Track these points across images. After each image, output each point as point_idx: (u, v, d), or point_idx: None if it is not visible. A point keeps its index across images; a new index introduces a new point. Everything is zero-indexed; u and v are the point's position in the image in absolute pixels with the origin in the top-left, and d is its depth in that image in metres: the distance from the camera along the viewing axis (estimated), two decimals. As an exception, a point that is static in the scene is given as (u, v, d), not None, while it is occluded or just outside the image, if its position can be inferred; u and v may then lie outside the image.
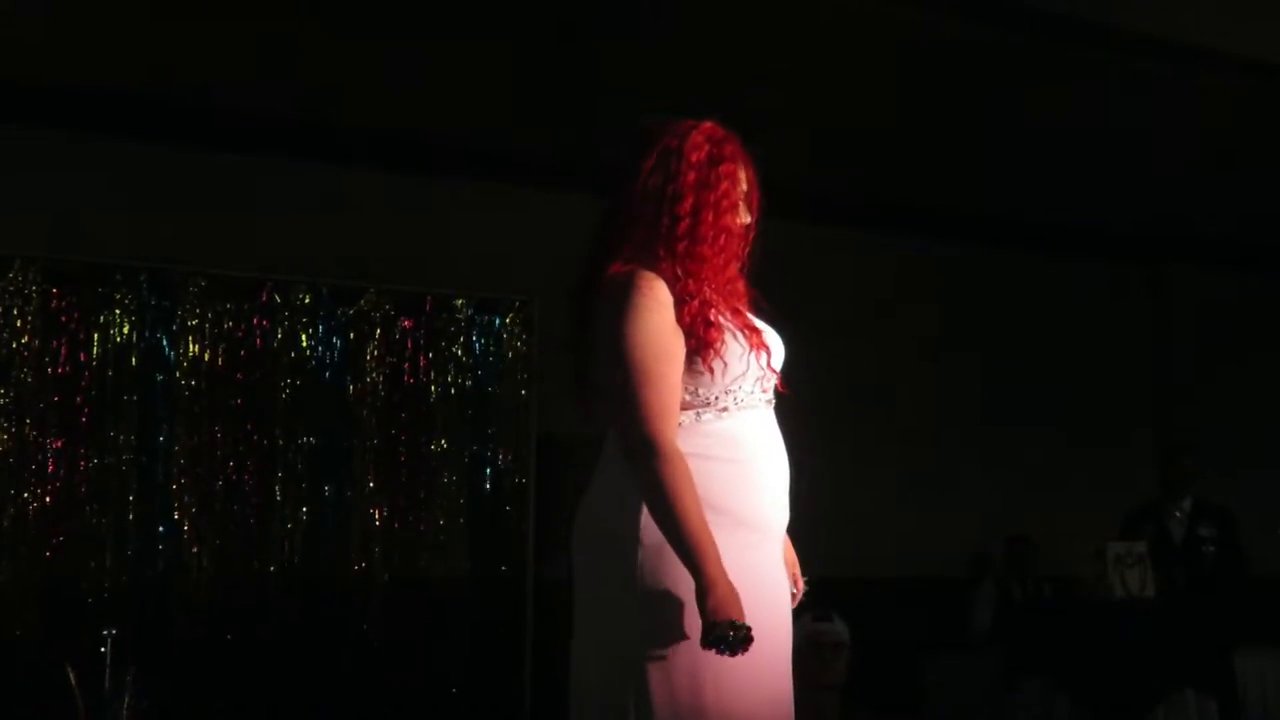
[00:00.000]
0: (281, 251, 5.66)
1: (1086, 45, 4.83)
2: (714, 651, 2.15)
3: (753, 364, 2.38)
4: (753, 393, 2.39)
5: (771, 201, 2.51)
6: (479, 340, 5.82)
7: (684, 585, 2.24)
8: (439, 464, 5.67)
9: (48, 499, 5.06)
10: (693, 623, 2.23)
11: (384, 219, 5.94)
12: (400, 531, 5.57)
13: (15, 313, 5.05)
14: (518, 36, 4.96)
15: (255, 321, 5.43)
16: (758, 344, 2.38)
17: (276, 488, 5.40)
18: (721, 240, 2.40)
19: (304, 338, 5.51)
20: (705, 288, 2.36)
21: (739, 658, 2.18)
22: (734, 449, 2.35)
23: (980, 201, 6.95)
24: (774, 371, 2.43)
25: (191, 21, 4.76)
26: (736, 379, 2.36)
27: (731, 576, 2.21)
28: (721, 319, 2.36)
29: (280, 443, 5.42)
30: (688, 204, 2.39)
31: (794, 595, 2.52)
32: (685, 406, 2.34)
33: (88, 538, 5.07)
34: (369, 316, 5.62)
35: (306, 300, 5.52)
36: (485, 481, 5.76)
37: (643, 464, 2.27)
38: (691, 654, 2.24)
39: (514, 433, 5.79)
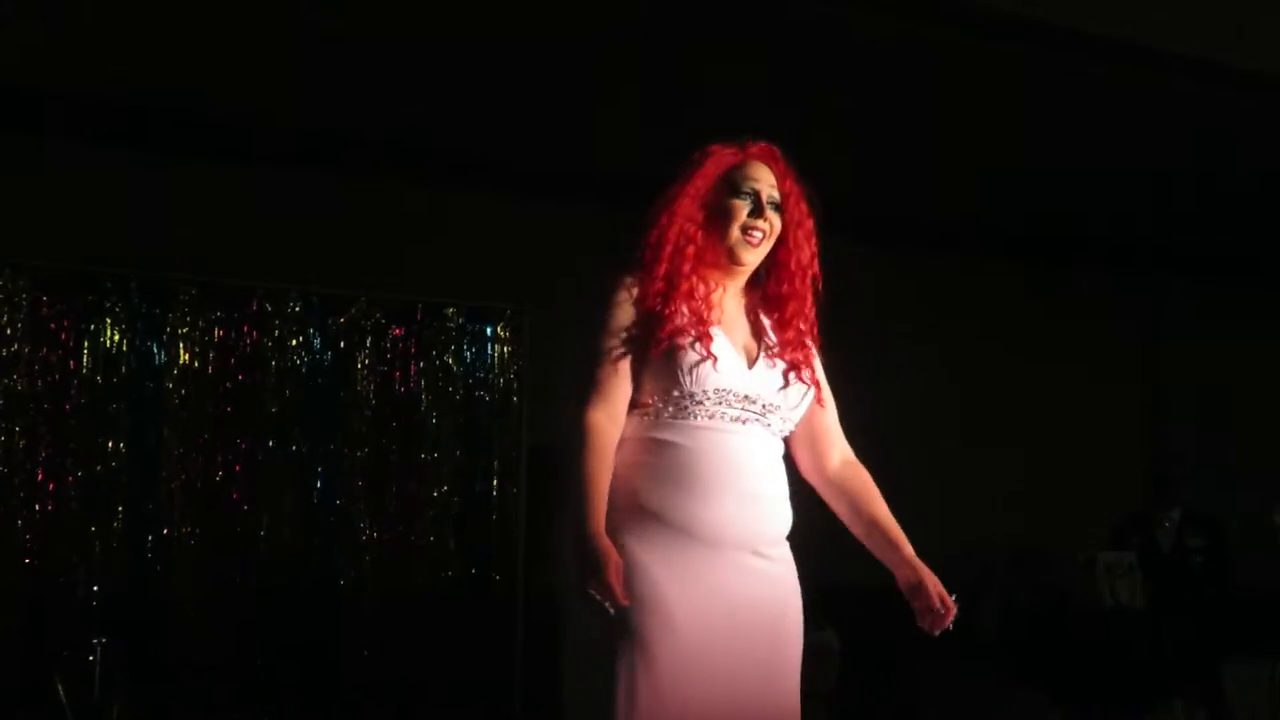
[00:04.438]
0: (272, 260, 5.66)
1: (1085, 57, 4.86)
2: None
3: (698, 366, 2.39)
4: (709, 408, 2.40)
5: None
6: (470, 349, 5.81)
7: (633, 583, 2.29)
8: (430, 473, 5.66)
9: (36, 506, 5.04)
10: (637, 622, 2.29)
11: (375, 227, 5.94)
12: (390, 541, 5.55)
13: (5, 320, 5.04)
14: (514, 47, 4.97)
15: (245, 330, 5.42)
16: (705, 345, 2.40)
17: (266, 496, 5.38)
18: (687, 256, 2.46)
19: (294, 346, 5.50)
20: (678, 294, 2.43)
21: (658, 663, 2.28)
22: (666, 456, 2.39)
23: (976, 209, 6.97)
24: (731, 392, 2.42)
25: (185, 28, 4.75)
26: (682, 380, 2.39)
27: (660, 576, 2.31)
28: (688, 329, 2.40)
29: (270, 451, 5.40)
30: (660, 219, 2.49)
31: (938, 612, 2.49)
32: (638, 406, 2.42)
33: (77, 546, 5.05)
34: (359, 325, 5.61)
35: (297, 309, 5.51)
36: (476, 490, 5.75)
37: (567, 429, 2.37)
38: (627, 653, 2.29)
39: (505, 441, 5.79)
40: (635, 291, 2.43)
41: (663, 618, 2.30)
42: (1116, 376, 7.77)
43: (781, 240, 2.54)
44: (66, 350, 5.12)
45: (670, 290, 2.42)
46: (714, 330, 2.43)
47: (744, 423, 2.44)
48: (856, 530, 2.62)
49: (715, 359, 2.39)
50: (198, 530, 5.23)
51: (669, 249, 2.45)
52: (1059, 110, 5.44)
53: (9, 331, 5.04)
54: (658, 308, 2.41)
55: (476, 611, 5.62)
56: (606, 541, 2.26)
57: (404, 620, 5.49)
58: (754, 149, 2.54)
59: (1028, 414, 7.35)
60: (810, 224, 2.58)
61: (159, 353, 5.26)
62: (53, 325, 5.13)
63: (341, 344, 5.58)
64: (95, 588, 5.04)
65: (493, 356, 5.84)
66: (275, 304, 5.46)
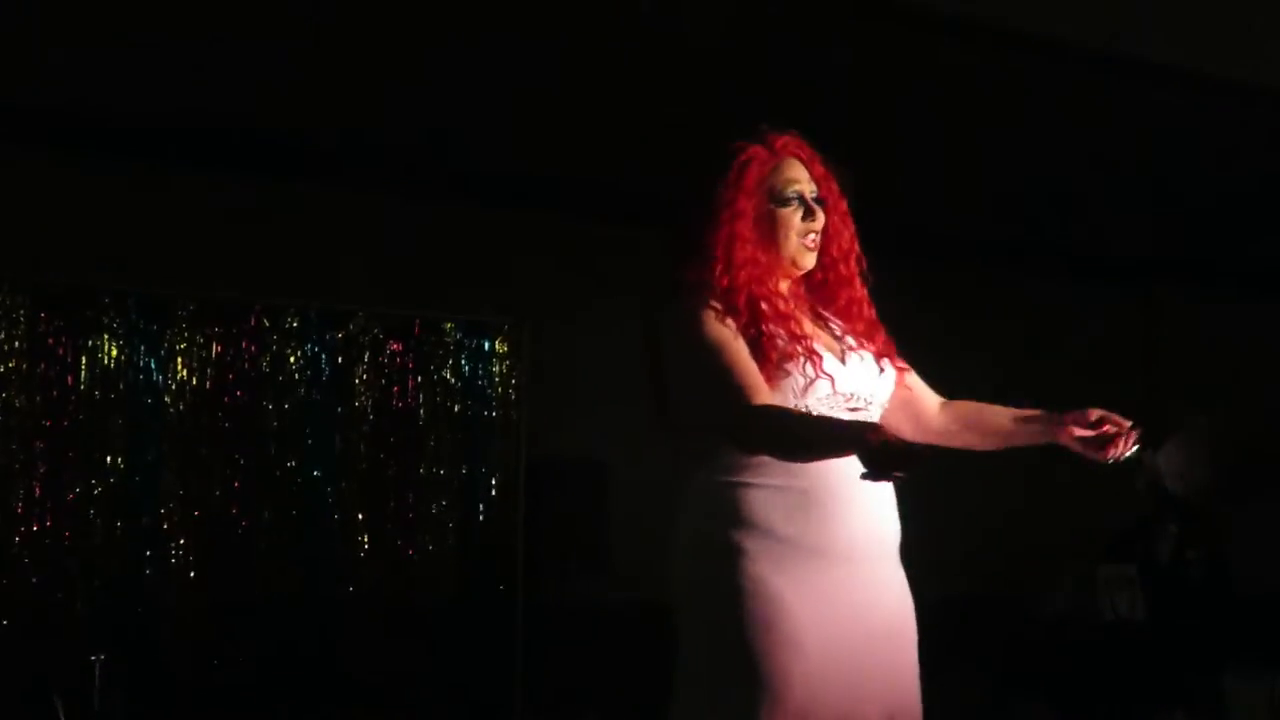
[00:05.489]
0: (270, 275, 5.66)
1: (1087, 71, 4.88)
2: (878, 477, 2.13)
3: (811, 384, 2.34)
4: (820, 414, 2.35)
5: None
6: (468, 364, 5.81)
7: (721, 608, 2.27)
8: (428, 488, 5.65)
9: (34, 523, 5.03)
10: (734, 646, 2.25)
11: (372, 242, 5.94)
12: (389, 556, 5.54)
13: (3, 336, 5.03)
14: (519, 61, 4.98)
15: (244, 345, 5.42)
16: (816, 365, 2.35)
17: (265, 512, 5.36)
18: (756, 277, 2.41)
19: (292, 361, 5.50)
20: (765, 316, 2.37)
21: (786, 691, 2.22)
22: (788, 473, 2.32)
23: (977, 222, 6.98)
24: (839, 393, 2.38)
25: (183, 42, 4.76)
26: (791, 400, 2.34)
27: (792, 601, 2.26)
28: (792, 348, 2.35)
29: (268, 467, 5.40)
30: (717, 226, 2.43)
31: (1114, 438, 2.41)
32: None
33: (75, 562, 5.03)
34: (357, 340, 5.61)
35: (295, 324, 5.51)
36: (475, 506, 5.74)
37: (748, 433, 2.29)
38: (733, 681, 2.26)
39: (503, 457, 5.78)
40: (721, 316, 2.35)
41: (794, 646, 2.25)
42: (1115, 383, 7.76)
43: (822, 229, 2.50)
44: (65, 366, 5.12)
45: (755, 313, 2.36)
46: (816, 346, 2.38)
47: None
48: (995, 444, 2.59)
49: (826, 371, 2.35)
50: (196, 546, 5.22)
51: (742, 275, 2.39)
52: (1054, 115, 5.45)
53: (7, 347, 5.03)
54: (752, 333, 2.35)
55: (475, 628, 5.61)
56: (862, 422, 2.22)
57: (403, 636, 5.48)
58: (781, 145, 2.49)
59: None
60: (844, 205, 2.55)
61: (157, 368, 5.26)
62: (51, 341, 5.12)
63: (339, 359, 5.57)
64: (94, 604, 5.03)
65: (491, 372, 5.84)
66: (273, 319, 5.46)
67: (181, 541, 5.20)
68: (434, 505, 5.65)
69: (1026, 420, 2.52)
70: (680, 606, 2.38)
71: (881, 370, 2.47)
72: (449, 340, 5.79)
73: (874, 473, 2.08)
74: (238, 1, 4.51)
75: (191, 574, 5.20)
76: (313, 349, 5.54)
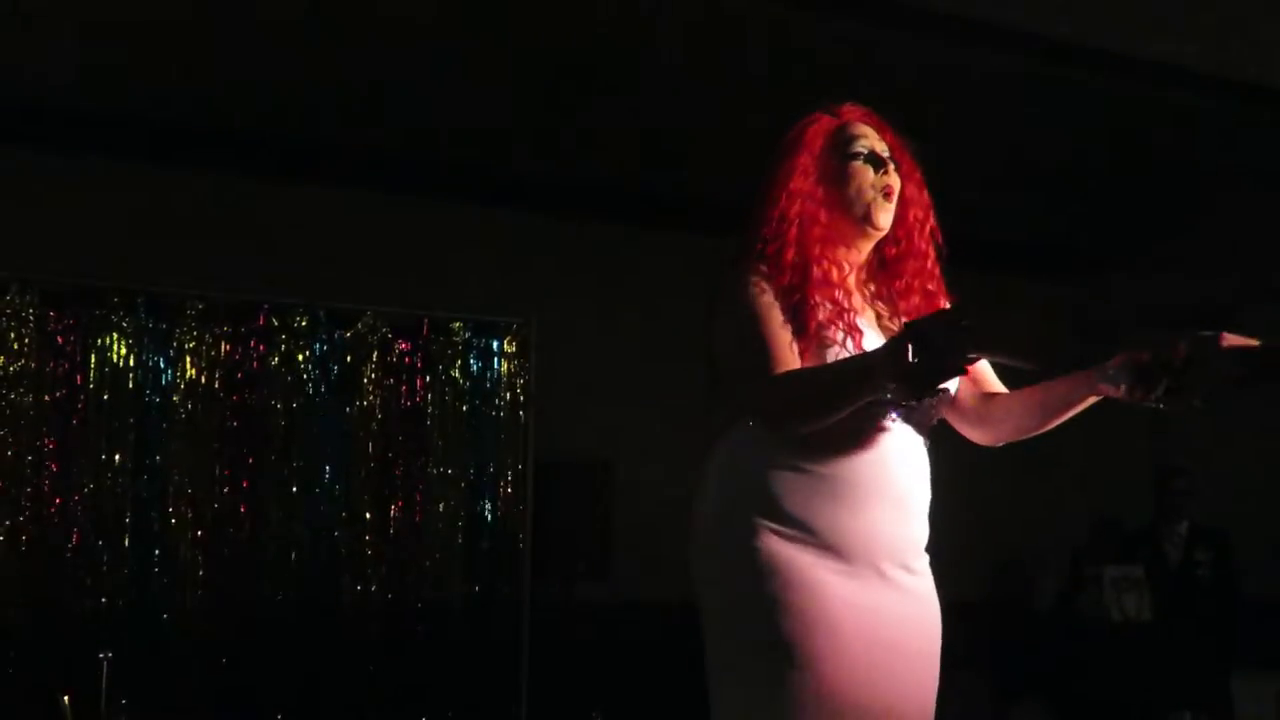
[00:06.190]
0: (278, 274, 5.67)
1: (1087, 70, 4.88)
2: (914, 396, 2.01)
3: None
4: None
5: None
6: (476, 363, 5.81)
7: (750, 592, 2.19)
8: (436, 487, 5.66)
9: (43, 521, 5.04)
10: (762, 635, 2.18)
11: (381, 241, 5.95)
12: (397, 555, 5.55)
13: (12, 335, 5.04)
14: (519, 62, 4.98)
15: (252, 344, 5.42)
16: (856, 340, 2.23)
17: (272, 511, 5.38)
18: (814, 237, 2.29)
19: (300, 360, 5.51)
20: (813, 283, 2.24)
21: (798, 685, 2.14)
22: (810, 458, 2.21)
23: (977, 222, 6.97)
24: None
25: (190, 40, 4.77)
26: None
27: (800, 595, 2.16)
28: (833, 322, 2.23)
29: (276, 466, 5.40)
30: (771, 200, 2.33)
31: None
32: None
33: (83, 560, 5.05)
34: (366, 339, 5.61)
35: (303, 323, 5.51)
36: (483, 505, 5.74)
37: (770, 404, 2.19)
38: (754, 668, 2.20)
39: (511, 456, 5.78)
40: (768, 282, 2.24)
41: (832, 637, 2.18)
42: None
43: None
44: (73, 364, 5.13)
45: (804, 280, 2.24)
46: (859, 321, 2.27)
47: (892, 420, 2.27)
48: (1045, 419, 2.41)
49: (864, 349, 2.21)
50: (204, 544, 5.23)
51: (793, 231, 2.27)
52: (1056, 118, 5.45)
53: (17, 346, 5.04)
54: (795, 300, 2.22)
55: (482, 626, 5.62)
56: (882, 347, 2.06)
57: (409, 634, 5.49)
58: (848, 110, 2.41)
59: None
60: (919, 176, 2.43)
61: (166, 367, 5.27)
62: (60, 339, 5.13)
63: (348, 358, 5.58)
64: (102, 601, 5.05)
65: (499, 371, 5.84)
66: (281, 318, 5.47)
67: (189, 540, 5.21)
68: (441, 504, 5.65)
69: (1073, 385, 2.33)
70: (700, 588, 2.29)
71: None
72: (457, 339, 5.79)
73: (906, 389, 1.98)
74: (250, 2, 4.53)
75: (199, 572, 5.21)
76: (321, 348, 5.54)
